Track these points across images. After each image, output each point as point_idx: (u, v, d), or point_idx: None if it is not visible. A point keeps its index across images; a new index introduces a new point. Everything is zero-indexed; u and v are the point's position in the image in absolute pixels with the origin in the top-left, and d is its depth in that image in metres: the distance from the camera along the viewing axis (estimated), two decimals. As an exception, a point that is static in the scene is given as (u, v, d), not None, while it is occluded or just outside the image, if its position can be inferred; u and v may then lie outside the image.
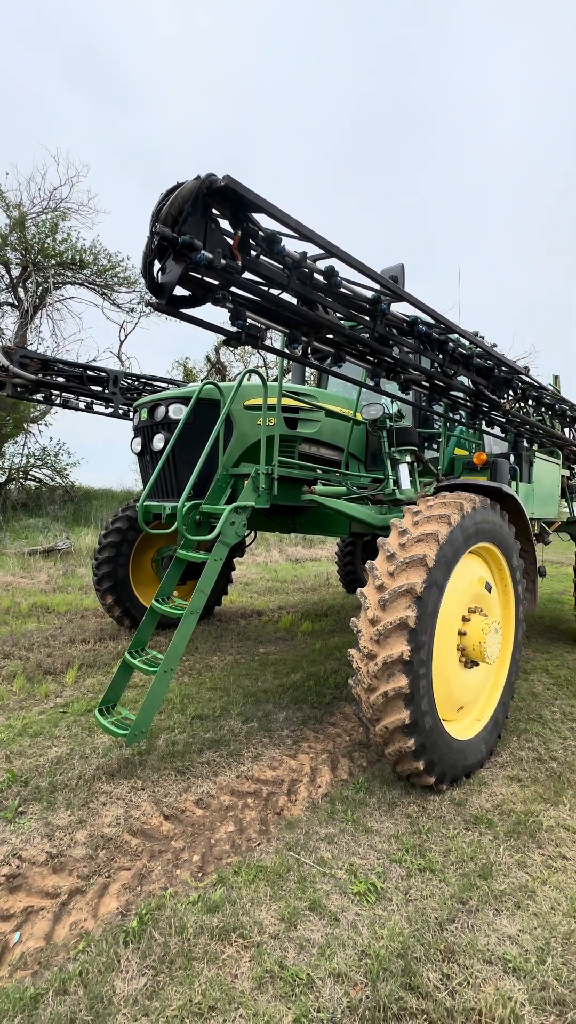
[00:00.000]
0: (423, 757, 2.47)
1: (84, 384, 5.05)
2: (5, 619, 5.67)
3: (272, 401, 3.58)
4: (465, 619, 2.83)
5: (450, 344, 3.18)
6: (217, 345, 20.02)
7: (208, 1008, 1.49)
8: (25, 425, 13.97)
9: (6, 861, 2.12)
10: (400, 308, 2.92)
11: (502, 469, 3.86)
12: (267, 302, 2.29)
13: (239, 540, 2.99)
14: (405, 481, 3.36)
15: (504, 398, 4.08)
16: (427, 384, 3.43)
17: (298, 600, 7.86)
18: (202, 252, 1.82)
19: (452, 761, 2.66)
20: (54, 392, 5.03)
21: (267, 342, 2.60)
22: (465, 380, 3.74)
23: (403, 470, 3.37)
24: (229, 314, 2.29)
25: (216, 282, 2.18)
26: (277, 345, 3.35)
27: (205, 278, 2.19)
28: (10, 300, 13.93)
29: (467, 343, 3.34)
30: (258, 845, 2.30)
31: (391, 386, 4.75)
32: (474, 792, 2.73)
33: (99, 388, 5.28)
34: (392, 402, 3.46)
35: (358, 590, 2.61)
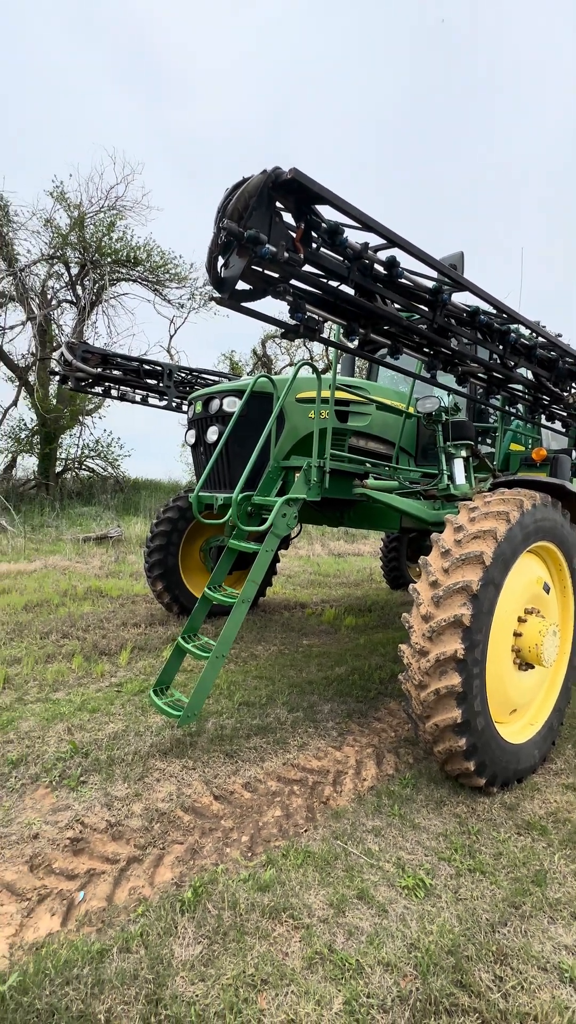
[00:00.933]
0: (474, 758, 2.42)
1: (140, 377, 5.23)
2: (63, 601, 6.00)
3: (325, 394, 3.57)
4: (521, 620, 2.74)
5: (512, 335, 3.07)
6: (263, 338, 20.14)
7: (260, 981, 1.54)
8: (80, 417, 14.62)
9: (70, 825, 2.27)
10: (459, 298, 2.84)
11: (563, 465, 3.69)
12: (326, 294, 2.29)
13: (291, 532, 3.01)
14: (460, 476, 3.28)
15: (568, 391, 3.89)
16: (485, 376, 3.32)
17: (341, 594, 7.85)
18: (267, 246, 1.84)
19: (504, 764, 2.59)
20: (112, 385, 5.25)
21: (323, 334, 2.59)
22: (526, 372, 3.59)
23: (458, 465, 3.29)
24: (288, 307, 2.30)
25: (277, 275, 2.20)
26: (332, 337, 3.34)
27: (266, 271, 2.21)
28: (69, 297, 14.56)
29: (529, 334, 3.20)
30: (305, 831, 2.34)
31: (446, 379, 4.63)
32: (526, 797, 2.65)
33: (153, 381, 5.45)
34: (448, 395, 3.37)
35: (410, 586, 2.59)
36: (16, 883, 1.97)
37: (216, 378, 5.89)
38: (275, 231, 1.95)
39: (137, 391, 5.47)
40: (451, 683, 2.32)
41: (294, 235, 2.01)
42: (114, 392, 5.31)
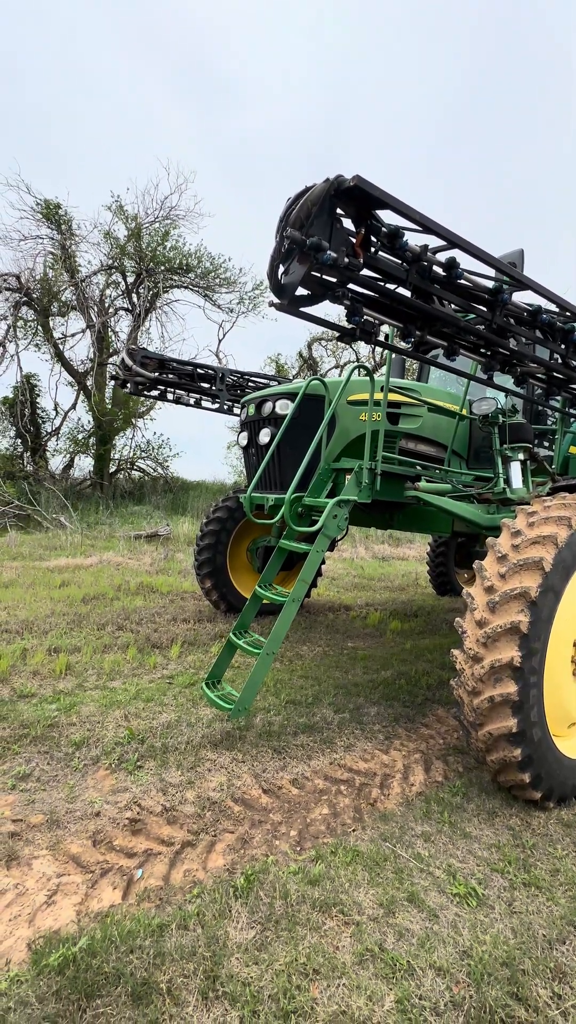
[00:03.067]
0: (529, 769, 2.35)
1: (194, 381, 5.43)
2: (117, 595, 6.29)
3: (377, 396, 3.57)
4: (582, 630, 2.63)
5: (576, 334, 2.96)
6: (310, 341, 20.23)
7: (312, 971, 1.58)
8: (133, 420, 15.24)
9: (129, 807, 2.39)
10: (519, 297, 2.77)
11: (629, 470, 3.50)
12: (384, 297, 2.31)
13: (341, 533, 3.04)
14: (517, 480, 3.18)
15: None
16: (545, 377, 3.22)
17: (386, 598, 7.76)
18: (328, 252, 1.88)
19: (562, 779, 2.50)
20: (168, 389, 5.47)
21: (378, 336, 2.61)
22: (590, 372, 3.45)
23: (515, 468, 3.19)
24: (345, 311, 2.34)
25: (336, 280, 2.24)
26: (387, 339, 3.33)
27: (325, 276, 2.26)
28: (125, 305, 15.24)
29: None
30: (353, 831, 2.36)
31: (502, 379, 4.50)
32: (585, 815, 2.54)
33: (206, 385, 5.64)
34: (505, 396, 3.29)
35: (464, 590, 2.55)
36: (81, 856, 2.10)
37: (266, 381, 6.01)
38: (336, 237, 1.99)
39: (191, 394, 5.67)
40: (506, 691, 2.26)
41: (354, 240, 2.04)
42: (170, 395, 5.53)
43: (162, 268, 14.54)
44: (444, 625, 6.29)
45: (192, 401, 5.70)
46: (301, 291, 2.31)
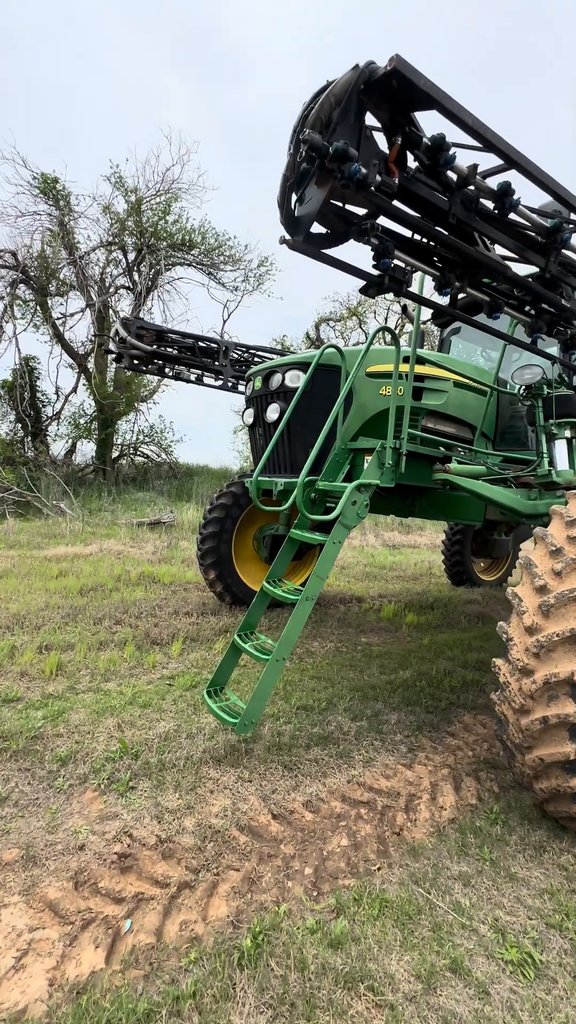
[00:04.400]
0: (587, 801, 2.00)
1: (195, 355, 5.00)
2: (117, 586, 5.97)
3: (403, 368, 3.15)
4: None
5: None
6: (317, 322, 19.60)
7: (338, 1079, 1.25)
8: (136, 404, 14.83)
9: (118, 838, 2.07)
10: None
11: None
12: (422, 235, 1.89)
13: (359, 522, 2.66)
14: (563, 461, 2.78)
15: None
16: (599, 341, 2.78)
17: (399, 589, 7.40)
18: (356, 163, 1.47)
19: (619, 808, 2.14)
20: (167, 364, 5.06)
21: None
22: None
23: (561, 447, 2.78)
24: (373, 253, 1.92)
25: (363, 210, 1.83)
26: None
27: (348, 208, 1.84)
28: (126, 283, 14.71)
29: None
30: (378, 869, 2.02)
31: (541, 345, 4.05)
32: None
33: (209, 360, 5.21)
34: (553, 365, 2.86)
35: (508, 589, 2.17)
36: (60, 903, 1.78)
37: (273, 356, 5.57)
38: (364, 149, 1.57)
39: (192, 370, 5.25)
40: (564, 711, 1.89)
41: (388, 154, 1.62)
42: (168, 371, 5.12)
43: (164, 244, 13.97)
44: (463, 618, 5.93)
45: (193, 377, 5.29)
46: (318, 229, 1.90)
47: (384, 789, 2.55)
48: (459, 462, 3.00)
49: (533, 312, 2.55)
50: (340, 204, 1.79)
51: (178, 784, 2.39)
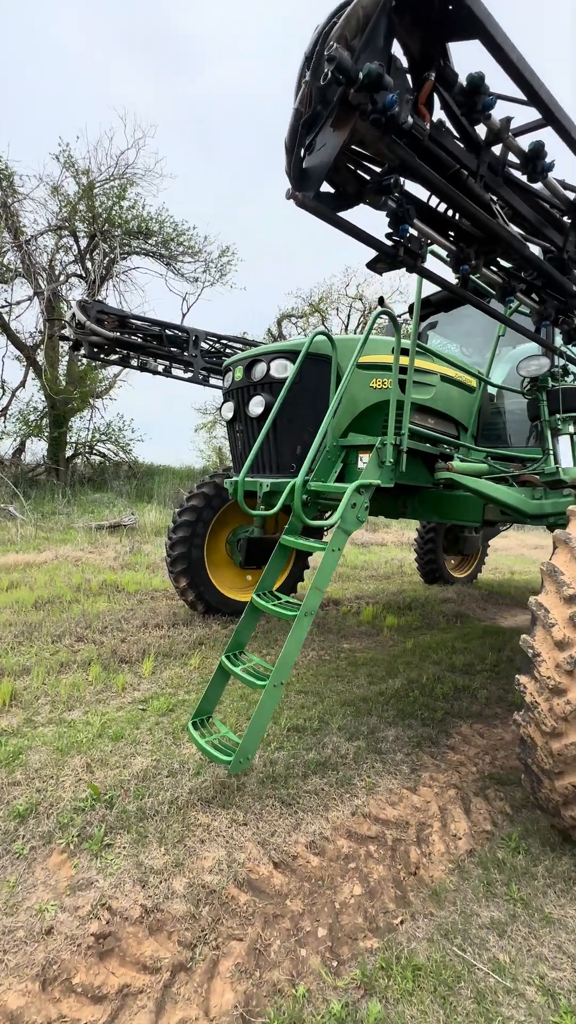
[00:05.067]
0: (621, 828, 1.83)
1: (163, 344, 4.60)
2: (77, 597, 5.48)
3: (389, 359, 2.93)
4: None
5: None
6: (279, 318, 19.31)
7: None
8: (91, 400, 14.03)
9: (95, 914, 1.72)
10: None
11: None
12: (444, 198, 1.64)
13: (359, 526, 2.41)
14: (567, 457, 2.64)
15: None
16: (602, 332, 2.65)
17: (374, 589, 7.26)
18: (392, 94, 1.20)
19: None
20: (131, 353, 4.62)
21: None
22: None
23: (565, 443, 2.65)
24: (389, 219, 1.66)
25: (383, 164, 1.56)
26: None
27: (364, 162, 1.57)
28: (78, 272, 13.87)
29: None
30: (400, 922, 1.78)
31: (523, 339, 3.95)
32: None
33: (177, 350, 4.81)
34: (556, 357, 2.71)
35: (532, 599, 1.98)
36: (23, 1014, 1.43)
37: (247, 346, 5.24)
38: (395, 83, 1.30)
39: (159, 360, 4.83)
40: (603, 735, 1.71)
41: (418, 94, 1.36)
42: (133, 361, 4.68)
43: (119, 231, 13.25)
44: (441, 619, 5.84)
45: (160, 368, 4.87)
46: (326, 188, 1.62)
47: (392, 819, 2.32)
48: (462, 459, 2.82)
49: (540, 299, 2.38)
50: (356, 154, 1.52)
51: (163, 836, 2.06)
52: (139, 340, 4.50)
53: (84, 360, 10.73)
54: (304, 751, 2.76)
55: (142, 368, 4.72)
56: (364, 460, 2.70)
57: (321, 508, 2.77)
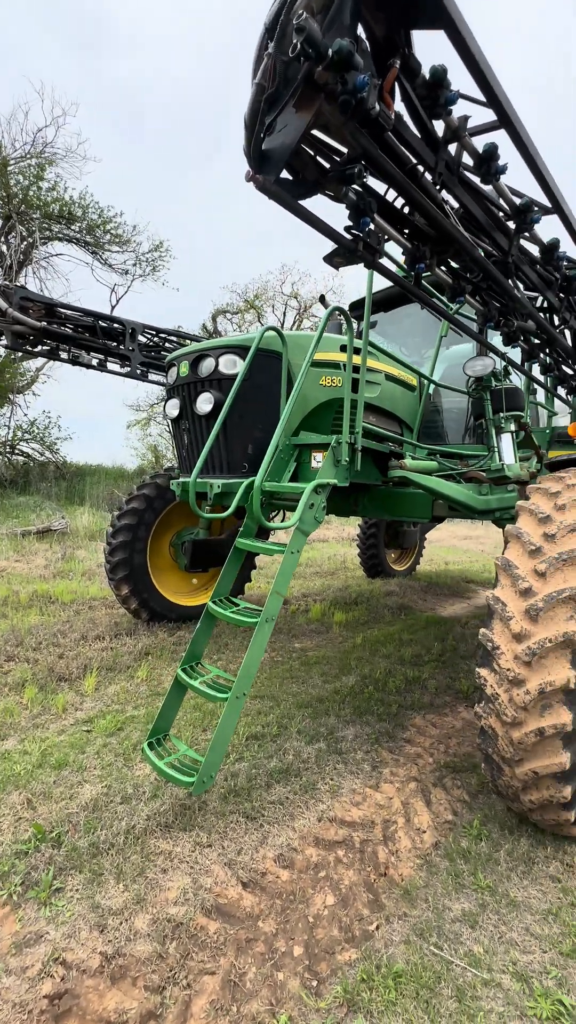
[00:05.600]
0: (575, 806, 1.93)
1: (97, 336, 4.27)
2: (4, 611, 5.00)
3: (340, 357, 2.91)
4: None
5: (579, 282, 2.55)
6: (214, 313, 18.95)
7: None
8: (11, 395, 12.96)
9: (47, 971, 1.54)
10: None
11: (602, 443, 3.27)
12: (402, 193, 1.62)
13: (317, 527, 2.37)
14: (509, 455, 2.76)
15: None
16: (539, 336, 2.80)
17: (320, 586, 7.31)
18: (365, 75, 1.14)
19: (592, 802, 2.13)
20: (61, 345, 4.25)
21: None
22: (568, 333, 3.12)
23: (507, 441, 2.77)
24: (349, 211, 1.61)
25: (338, 158, 1.51)
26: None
27: (323, 150, 1.51)
28: (-9, 256, 12.71)
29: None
30: (376, 928, 1.76)
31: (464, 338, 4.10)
32: (617, 839, 2.22)
33: (113, 343, 4.50)
34: (497, 358, 2.82)
35: (489, 593, 2.03)
36: None
37: (189, 341, 5.02)
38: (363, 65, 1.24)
39: (93, 353, 4.49)
40: (559, 721, 1.79)
41: (383, 81, 1.31)
42: (63, 354, 4.31)
43: (37, 214, 12.29)
44: (387, 612, 5.99)
45: (95, 362, 4.52)
46: (284, 175, 1.54)
47: (357, 820, 2.31)
48: (414, 458, 2.86)
49: (483, 300, 2.46)
50: (316, 143, 1.45)
51: (120, 871, 1.90)
52: (69, 331, 4.15)
53: (2, 351, 9.86)
54: (265, 759, 2.68)
55: (74, 362, 4.35)
56: (318, 459, 2.66)
57: (273, 508, 2.70)
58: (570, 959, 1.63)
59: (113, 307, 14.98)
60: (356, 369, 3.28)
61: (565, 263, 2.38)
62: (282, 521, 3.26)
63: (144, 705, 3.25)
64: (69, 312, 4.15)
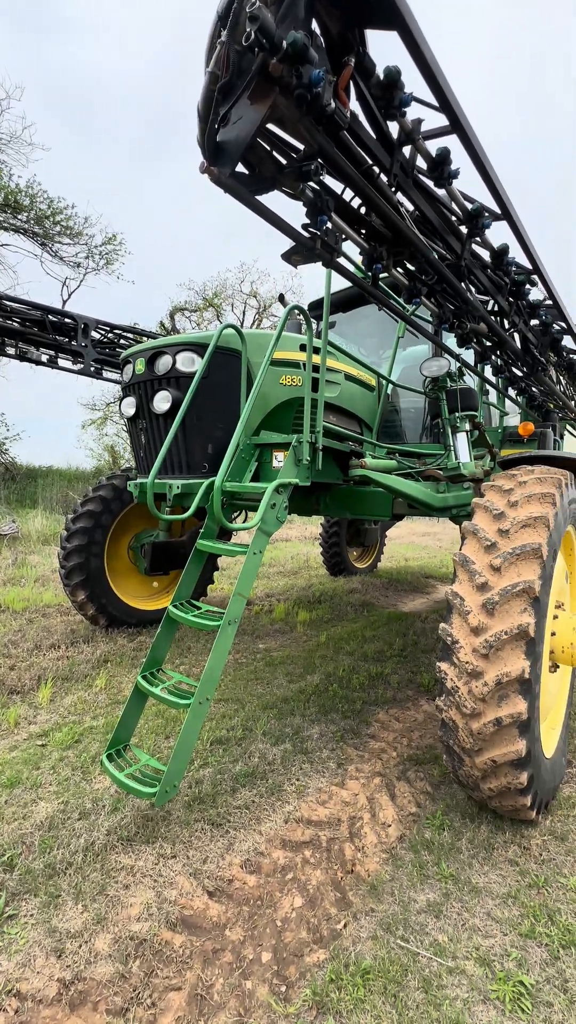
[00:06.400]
0: (531, 791, 2.01)
1: (47, 332, 4.08)
2: (-52, 622, 4.70)
3: (300, 356, 2.91)
4: (554, 617, 2.38)
5: (526, 287, 2.65)
6: (171, 310, 18.58)
7: None
8: (-47, 392, 12.20)
9: (0, 1007, 1.45)
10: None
11: (549, 442, 3.43)
12: (359, 192, 1.63)
13: (280, 527, 2.35)
14: (465, 453, 2.84)
15: (547, 361, 3.63)
16: (490, 338, 2.89)
17: (284, 586, 7.31)
18: (320, 69, 1.13)
19: (546, 784, 2.23)
20: (7, 340, 4.03)
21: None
22: (516, 336, 3.25)
23: (462, 440, 2.85)
24: (307, 209, 1.60)
25: (295, 155, 1.50)
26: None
27: (279, 145, 1.49)
28: None
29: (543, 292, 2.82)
30: (343, 926, 1.76)
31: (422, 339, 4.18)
32: (570, 819, 2.33)
33: (63, 339, 4.31)
34: (448, 358, 2.89)
35: (448, 589, 2.08)
36: None
37: (144, 337, 4.87)
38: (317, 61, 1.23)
39: (43, 349, 4.29)
40: (515, 710, 1.86)
41: (338, 78, 1.31)
42: (10, 349, 4.08)
43: (-20, 202, 11.63)
44: (350, 609, 6.06)
45: (45, 358, 4.31)
46: (240, 169, 1.51)
47: (324, 819, 2.31)
48: (374, 457, 2.89)
49: (436, 303, 2.51)
50: (271, 137, 1.43)
51: (79, 890, 1.81)
52: (16, 325, 3.93)
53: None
54: (231, 763, 2.64)
55: (22, 358, 4.13)
56: (279, 459, 2.64)
57: (235, 509, 2.66)
58: (528, 939, 1.69)
59: (65, 302, 14.43)
60: (316, 368, 3.29)
61: (514, 268, 2.47)
62: (244, 522, 3.23)
63: (103, 715, 3.13)
64: (15, 305, 3.93)
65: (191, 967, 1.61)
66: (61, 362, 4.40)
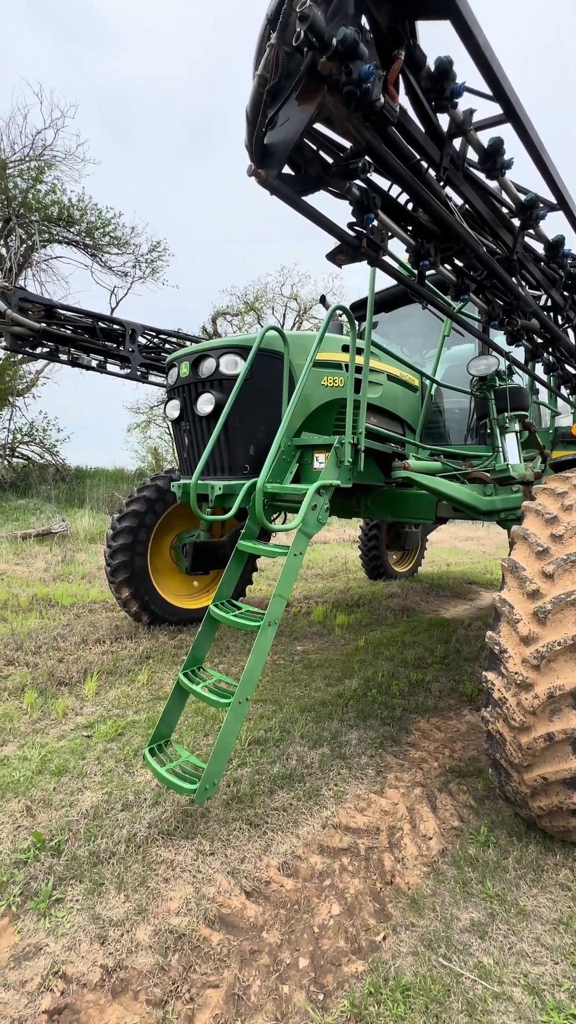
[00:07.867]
0: (585, 812, 1.89)
1: (96, 338, 4.24)
2: (3, 615, 4.97)
3: (343, 357, 2.88)
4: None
5: (584, 280, 2.52)
6: (214, 315, 18.95)
7: None
8: (10, 398, 12.95)
9: (46, 985, 1.50)
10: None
11: (606, 442, 3.24)
12: (407, 189, 1.59)
13: (320, 528, 2.34)
14: (514, 455, 2.73)
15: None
16: (543, 335, 2.77)
17: (322, 588, 7.27)
18: (370, 64, 1.11)
19: (601, 808, 2.09)
20: (61, 347, 4.23)
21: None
22: (571, 332, 3.09)
23: (511, 441, 2.74)
24: (352, 207, 1.58)
25: (342, 154, 1.48)
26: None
27: (326, 144, 1.48)
28: (-9, 259, 12.71)
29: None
30: (382, 939, 1.72)
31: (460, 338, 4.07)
32: (627, 845, 2.18)
33: (112, 344, 4.48)
34: (497, 356, 2.79)
35: (496, 596, 2.00)
36: None
37: (189, 342, 4.99)
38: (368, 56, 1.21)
39: (93, 355, 4.47)
40: (569, 726, 1.76)
41: (387, 73, 1.29)
42: (63, 356, 4.28)
43: (36, 217, 12.29)
44: (389, 614, 5.95)
45: (94, 364, 4.50)
46: (287, 171, 1.51)
47: (362, 827, 2.27)
48: (417, 459, 2.83)
49: (487, 299, 2.43)
50: (318, 138, 1.43)
51: (121, 880, 1.86)
52: (69, 332, 4.12)
53: (2, 353, 9.85)
54: (268, 765, 2.64)
55: (73, 363, 4.33)
56: (320, 460, 2.63)
57: (275, 510, 2.66)
58: (582, 970, 1.59)
59: (113, 309, 14.99)
60: (358, 369, 3.26)
61: (570, 261, 2.35)
62: (284, 523, 3.23)
63: (145, 710, 3.21)
64: (68, 313, 4.13)
65: (228, 966, 1.62)
66: (110, 367, 4.58)
